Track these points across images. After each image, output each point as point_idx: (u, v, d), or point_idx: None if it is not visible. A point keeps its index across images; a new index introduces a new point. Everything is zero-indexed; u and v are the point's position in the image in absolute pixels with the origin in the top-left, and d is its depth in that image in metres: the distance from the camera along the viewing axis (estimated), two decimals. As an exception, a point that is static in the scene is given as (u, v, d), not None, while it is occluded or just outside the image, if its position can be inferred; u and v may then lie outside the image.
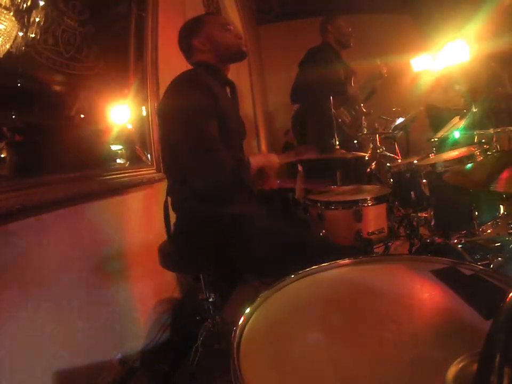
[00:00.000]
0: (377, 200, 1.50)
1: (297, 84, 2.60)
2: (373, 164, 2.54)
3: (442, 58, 2.92)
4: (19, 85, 1.12)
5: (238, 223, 1.18)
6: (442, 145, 1.92)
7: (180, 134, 1.16)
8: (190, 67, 1.40)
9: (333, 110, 1.92)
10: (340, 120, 2.51)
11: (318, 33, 2.70)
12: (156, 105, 1.82)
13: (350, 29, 2.66)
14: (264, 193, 1.32)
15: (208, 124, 1.14)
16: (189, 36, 1.32)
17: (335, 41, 2.65)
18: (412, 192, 1.71)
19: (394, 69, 2.94)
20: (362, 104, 2.70)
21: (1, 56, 1.00)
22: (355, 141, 2.66)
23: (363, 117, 2.70)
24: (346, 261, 0.79)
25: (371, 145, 2.60)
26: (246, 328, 0.58)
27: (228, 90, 1.38)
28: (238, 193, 1.24)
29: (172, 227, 1.36)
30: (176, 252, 1.30)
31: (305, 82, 2.52)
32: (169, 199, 1.37)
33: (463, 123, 1.92)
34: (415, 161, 1.75)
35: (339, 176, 2.29)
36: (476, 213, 1.43)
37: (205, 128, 1.13)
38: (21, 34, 1.06)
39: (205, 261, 1.24)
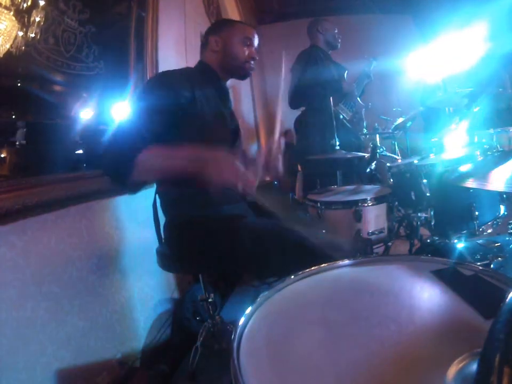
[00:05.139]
0: (377, 200, 1.51)
1: (294, 89, 2.62)
2: (373, 163, 2.55)
3: (443, 58, 2.91)
4: (19, 85, 1.12)
5: (227, 224, 1.16)
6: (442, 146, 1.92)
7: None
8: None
9: (332, 108, 1.92)
10: (341, 117, 2.53)
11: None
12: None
13: (336, 30, 2.69)
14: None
15: (146, 120, 1.05)
16: (209, 31, 1.33)
17: (324, 43, 2.68)
18: (412, 192, 1.71)
19: (394, 69, 2.94)
20: (358, 98, 2.72)
21: (1, 56, 1.00)
22: (360, 133, 2.67)
23: (363, 110, 2.72)
24: (346, 261, 0.79)
25: (371, 145, 2.60)
26: (246, 328, 0.58)
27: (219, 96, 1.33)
28: (225, 194, 1.19)
29: (163, 229, 1.30)
30: (173, 253, 1.29)
31: (301, 86, 2.54)
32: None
33: (462, 123, 1.92)
34: (415, 161, 1.75)
35: (339, 176, 2.30)
36: (476, 213, 1.43)
37: (139, 123, 1.04)
38: (21, 34, 1.06)
39: (204, 262, 1.23)
